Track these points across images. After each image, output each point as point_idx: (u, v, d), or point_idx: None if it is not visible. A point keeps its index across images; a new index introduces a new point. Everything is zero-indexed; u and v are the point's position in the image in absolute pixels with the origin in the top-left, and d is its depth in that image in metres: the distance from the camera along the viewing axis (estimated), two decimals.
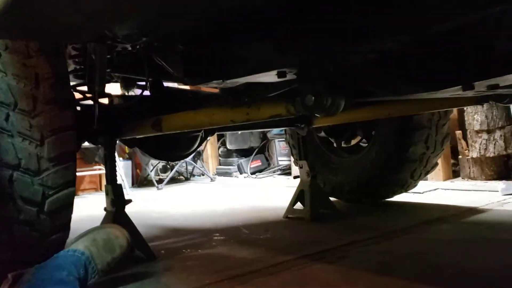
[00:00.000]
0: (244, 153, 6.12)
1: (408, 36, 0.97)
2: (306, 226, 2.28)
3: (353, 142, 2.83)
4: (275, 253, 1.78)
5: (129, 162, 5.66)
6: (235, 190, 4.52)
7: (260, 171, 5.78)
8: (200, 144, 2.28)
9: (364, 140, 2.78)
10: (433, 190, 3.22)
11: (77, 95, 1.84)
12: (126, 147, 4.57)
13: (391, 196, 2.75)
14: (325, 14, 1.04)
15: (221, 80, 1.41)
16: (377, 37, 0.98)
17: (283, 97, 1.58)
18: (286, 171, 5.54)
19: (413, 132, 2.42)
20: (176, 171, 5.76)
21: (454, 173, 3.93)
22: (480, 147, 3.55)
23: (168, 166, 5.87)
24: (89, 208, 3.52)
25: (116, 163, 1.95)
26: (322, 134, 2.80)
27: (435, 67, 1.07)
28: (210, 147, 6.43)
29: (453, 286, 1.30)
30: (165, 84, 2.15)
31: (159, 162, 5.66)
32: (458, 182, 3.64)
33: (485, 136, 3.50)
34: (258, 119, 1.44)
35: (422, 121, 2.40)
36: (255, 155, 5.90)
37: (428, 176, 2.90)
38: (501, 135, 3.45)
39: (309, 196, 2.42)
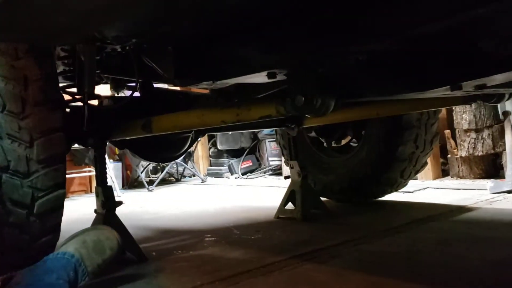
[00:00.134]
0: (235, 153, 6.12)
1: (397, 38, 0.98)
2: (297, 226, 2.29)
3: (344, 142, 2.84)
4: (267, 253, 1.78)
5: (119, 164, 5.63)
6: (226, 190, 4.52)
7: (251, 171, 5.78)
8: (190, 145, 2.28)
9: (354, 140, 2.80)
10: (423, 189, 3.25)
11: (67, 97, 1.83)
12: (116, 148, 4.55)
13: (382, 196, 2.76)
14: (314, 15, 1.05)
15: (211, 81, 1.41)
16: (366, 39, 0.99)
17: (274, 97, 1.58)
18: (277, 171, 5.55)
19: (402, 131, 2.43)
20: (167, 172, 5.74)
21: (444, 172, 3.97)
22: (468, 146, 3.58)
23: (159, 168, 5.85)
24: (79, 210, 3.50)
25: (106, 165, 1.94)
26: (313, 134, 2.81)
27: (424, 68, 1.08)
28: (200, 148, 6.42)
29: (443, 285, 1.31)
30: (155, 85, 2.14)
31: (149, 164, 5.64)
32: (448, 181, 3.67)
33: (473, 135, 3.54)
34: (248, 120, 1.44)
35: (411, 121, 2.42)
36: (246, 155, 5.91)
37: (418, 175, 2.92)
38: (489, 134, 3.48)
39: (300, 196, 2.43)
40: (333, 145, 2.81)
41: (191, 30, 1.25)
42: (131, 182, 5.71)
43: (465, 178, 3.67)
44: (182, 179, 5.97)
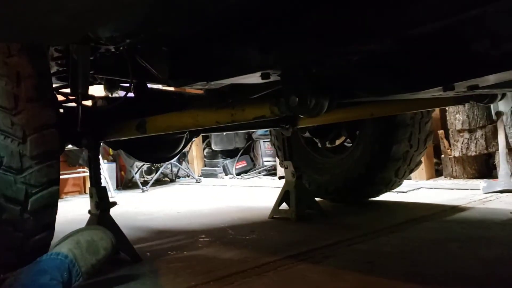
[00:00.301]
0: (229, 154, 6.12)
1: (390, 38, 0.98)
2: (292, 226, 2.29)
3: (338, 142, 2.84)
4: (261, 253, 1.78)
5: (114, 164, 5.61)
6: (220, 191, 4.51)
7: (246, 172, 5.78)
8: (185, 146, 2.28)
9: (348, 140, 2.80)
10: (417, 189, 3.27)
11: (60, 97, 1.82)
12: (110, 149, 4.53)
13: (376, 195, 2.77)
14: (308, 15, 1.05)
15: (205, 82, 1.41)
16: (359, 39, 1.00)
17: (268, 98, 1.58)
18: (272, 172, 5.56)
19: (396, 130, 2.44)
20: (161, 172, 5.73)
21: (437, 172, 3.99)
22: (462, 146, 3.60)
23: (153, 168, 5.84)
24: (73, 211, 3.48)
25: (100, 166, 1.93)
26: (307, 134, 2.81)
27: (417, 68, 1.09)
28: (195, 148, 6.41)
29: (437, 284, 1.32)
30: (149, 85, 2.14)
31: (143, 164, 5.62)
32: (441, 181, 3.69)
33: (466, 135, 3.56)
34: (243, 120, 1.44)
35: (405, 120, 2.43)
36: (240, 156, 5.90)
37: (412, 175, 2.94)
38: (482, 134, 3.50)
39: (294, 196, 2.43)
40: (328, 145, 2.81)
41: (185, 31, 1.25)
42: (125, 183, 5.69)
43: (458, 178, 3.70)
44: (177, 180, 5.96)
